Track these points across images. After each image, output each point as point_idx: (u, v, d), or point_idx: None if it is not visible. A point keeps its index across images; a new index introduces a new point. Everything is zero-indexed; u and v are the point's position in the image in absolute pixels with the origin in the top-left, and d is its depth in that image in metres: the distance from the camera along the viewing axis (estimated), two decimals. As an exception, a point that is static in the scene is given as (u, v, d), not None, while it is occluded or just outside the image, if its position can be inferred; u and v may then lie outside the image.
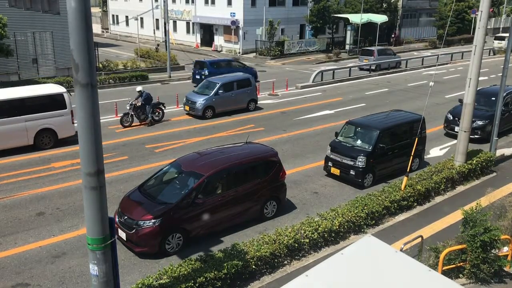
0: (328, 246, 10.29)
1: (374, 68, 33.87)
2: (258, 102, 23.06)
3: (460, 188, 13.68)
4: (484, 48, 14.12)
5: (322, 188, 13.76)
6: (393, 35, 50.52)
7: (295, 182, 13.95)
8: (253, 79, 23.04)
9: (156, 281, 7.90)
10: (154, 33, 53.64)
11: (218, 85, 21.34)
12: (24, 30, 26.04)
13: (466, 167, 13.88)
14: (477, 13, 14.23)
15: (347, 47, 44.11)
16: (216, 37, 46.42)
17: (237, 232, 10.99)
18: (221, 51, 44.97)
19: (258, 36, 42.42)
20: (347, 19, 43.19)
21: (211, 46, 46.33)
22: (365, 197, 11.56)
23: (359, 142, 14.02)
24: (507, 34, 40.68)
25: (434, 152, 17.02)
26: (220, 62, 29.75)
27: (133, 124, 19.51)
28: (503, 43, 41.33)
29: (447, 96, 25.56)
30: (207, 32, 47.95)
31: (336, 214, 10.62)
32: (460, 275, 9.01)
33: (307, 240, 9.81)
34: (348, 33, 44.01)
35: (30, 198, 12.64)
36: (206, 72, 27.45)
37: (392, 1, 50.38)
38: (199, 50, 46.06)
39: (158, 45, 43.07)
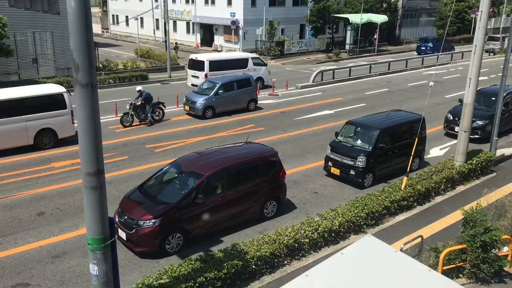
0: (328, 246, 10.29)
1: (498, 50, 44.01)
2: (258, 102, 23.06)
3: (460, 188, 13.68)
4: (484, 48, 14.12)
5: (322, 188, 13.76)
6: (375, 36, 45.30)
7: (295, 182, 13.96)
8: (253, 79, 23.00)
9: (156, 281, 7.90)
10: (154, 33, 53.68)
11: (218, 85, 21.34)
12: (24, 30, 26.05)
13: (466, 167, 13.88)
14: (477, 13, 14.23)
15: (347, 47, 44.10)
16: (216, 37, 46.43)
17: (237, 232, 10.99)
18: (221, 51, 44.96)
19: (258, 36, 42.42)
20: (347, 19, 43.19)
21: (211, 46, 46.35)
22: (365, 197, 11.56)
23: (359, 142, 14.02)
24: (498, 35, 45.77)
25: (434, 152, 17.01)
26: (435, 39, 44.20)
27: (133, 124, 19.52)
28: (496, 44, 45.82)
29: (447, 96, 25.56)
30: (207, 32, 47.95)
31: (336, 214, 10.62)
32: (460, 275, 9.01)
33: (307, 240, 9.81)
34: (348, 33, 44.00)
35: (30, 198, 12.64)
36: (431, 45, 42.44)
37: (392, 1, 50.34)
38: (199, 50, 46.04)
39: (176, 44, 42.53)
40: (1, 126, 15.26)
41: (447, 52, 40.81)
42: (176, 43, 42.73)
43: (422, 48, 42.86)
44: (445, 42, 44.21)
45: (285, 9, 45.06)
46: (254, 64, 27.99)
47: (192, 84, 26.48)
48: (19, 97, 15.74)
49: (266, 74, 28.44)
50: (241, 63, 27.50)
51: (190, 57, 27.62)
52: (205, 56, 27.26)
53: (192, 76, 26.88)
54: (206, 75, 25.23)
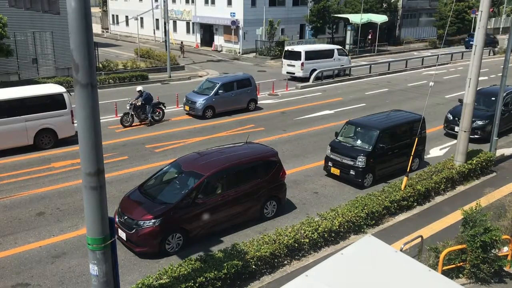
0: (328, 246, 10.29)
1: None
2: (258, 102, 23.06)
3: (460, 188, 13.68)
4: (484, 48, 14.12)
5: (322, 188, 13.76)
6: (369, 36, 44.98)
7: (295, 182, 13.96)
8: (252, 79, 23.00)
9: (156, 281, 7.90)
10: (154, 33, 53.66)
11: (218, 85, 21.34)
12: (24, 30, 26.02)
13: (466, 167, 13.88)
14: (477, 13, 14.23)
15: (347, 47, 44.07)
16: (216, 37, 46.40)
17: (237, 232, 10.99)
18: (221, 51, 44.95)
19: (258, 36, 42.40)
20: (347, 19, 43.17)
21: (211, 46, 46.32)
22: (365, 197, 11.56)
23: (359, 142, 14.02)
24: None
25: (434, 152, 17.01)
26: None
27: (133, 124, 19.52)
28: None
29: (447, 96, 25.57)
30: (207, 32, 47.93)
31: (336, 214, 10.62)
32: (460, 275, 9.01)
33: (307, 240, 9.81)
34: (348, 33, 43.97)
35: (30, 198, 12.64)
36: None
37: (392, 1, 50.34)
38: (199, 50, 46.05)
39: (182, 44, 42.38)
40: (1, 126, 15.25)
41: (490, 47, 44.12)
42: (181, 42, 42.66)
43: (471, 43, 45.19)
44: (489, 37, 48.75)
45: (285, 9, 45.05)
46: (339, 54, 32.00)
47: (287, 72, 30.66)
48: (19, 97, 15.73)
49: (348, 63, 32.45)
50: (329, 53, 31.76)
51: (286, 49, 31.99)
52: (301, 48, 31.46)
53: (288, 65, 30.62)
54: (302, 64, 29.73)
